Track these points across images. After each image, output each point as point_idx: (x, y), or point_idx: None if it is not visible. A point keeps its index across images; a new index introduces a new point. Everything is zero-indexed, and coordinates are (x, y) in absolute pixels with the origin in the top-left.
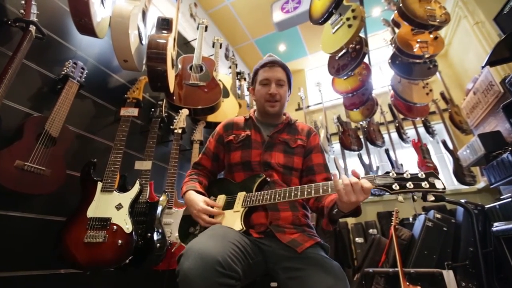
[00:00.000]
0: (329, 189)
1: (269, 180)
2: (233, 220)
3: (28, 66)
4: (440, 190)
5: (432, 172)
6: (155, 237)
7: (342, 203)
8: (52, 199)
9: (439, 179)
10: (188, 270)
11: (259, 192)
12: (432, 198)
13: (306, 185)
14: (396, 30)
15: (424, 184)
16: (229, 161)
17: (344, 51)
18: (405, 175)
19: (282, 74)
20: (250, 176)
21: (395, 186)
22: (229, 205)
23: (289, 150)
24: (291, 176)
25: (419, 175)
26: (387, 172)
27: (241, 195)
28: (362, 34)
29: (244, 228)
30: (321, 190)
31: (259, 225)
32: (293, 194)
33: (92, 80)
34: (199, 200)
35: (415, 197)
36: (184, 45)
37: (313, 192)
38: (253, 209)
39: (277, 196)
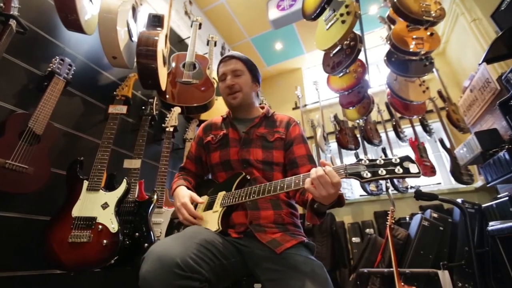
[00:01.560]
0: (300, 182)
1: (249, 178)
2: (212, 220)
3: (13, 62)
4: (415, 174)
5: (407, 156)
6: (144, 237)
7: (316, 198)
8: (38, 198)
9: (414, 163)
10: (146, 273)
11: (237, 191)
12: (407, 184)
13: (279, 180)
14: (393, 27)
15: (397, 170)
16: (210, 162)
17: (338, 48)
18: (377, 162)
19: (238, 64)
20: (231, 175)
21: (366, 174)
22: (210, 206)
23: (267, 145)
24: (273, 171)
25: (393, 160)
26: (360, 160)
27: (220, 195)
28: (358, 32)
29: (220, 228)
30: (293, 184)
31: (239, 225)
32: (266, 190)
33: (81, 78)
34: (185, 195)
35: (388, 185)
36: (179, 43)
37: (285, 186)
38: (233, 209)
39: (252, 193)
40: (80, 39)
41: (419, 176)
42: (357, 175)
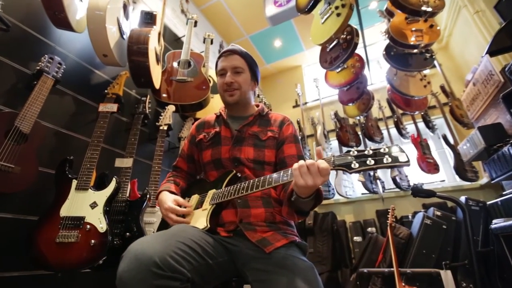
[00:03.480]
0: (289, 177)
1: (240, 175)
2: (200, 218)
3: (1, 61)
4: (404, 163)
5: (397, 145)
6: (135, 236)
7: (298, 187)
8: (26, 198)
9: (403, 152)
10: (123, 273)
11: (226, 188)
12: (396, 173)
13: (268, 175)
14: (391, 20)
15: (386, 159)
16: (202, 160)
17: (335, 42)
18: (366, 152)
19: (239, 61)
20: (222, 173)
21: (354, 165)
22: (200, 204)
23: (259, 144)
24: (264, 171)
25: (382, 149)
26: (349, 151)
27: (210, 193)
28: (358, 27)
29: (209, 226)
30: (281, 179)
31: (229, 223)
32: (255, 185)
33: (73, 76)
34: (168, 199)
35: (376, 175)
36: (175, 41)
37: (273, 181)
38: (223, 207)
39: (240, 189)
40: (72, 37)
41: (408, 165)
42: (345, 166)
